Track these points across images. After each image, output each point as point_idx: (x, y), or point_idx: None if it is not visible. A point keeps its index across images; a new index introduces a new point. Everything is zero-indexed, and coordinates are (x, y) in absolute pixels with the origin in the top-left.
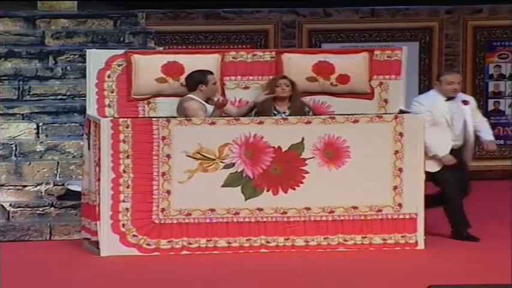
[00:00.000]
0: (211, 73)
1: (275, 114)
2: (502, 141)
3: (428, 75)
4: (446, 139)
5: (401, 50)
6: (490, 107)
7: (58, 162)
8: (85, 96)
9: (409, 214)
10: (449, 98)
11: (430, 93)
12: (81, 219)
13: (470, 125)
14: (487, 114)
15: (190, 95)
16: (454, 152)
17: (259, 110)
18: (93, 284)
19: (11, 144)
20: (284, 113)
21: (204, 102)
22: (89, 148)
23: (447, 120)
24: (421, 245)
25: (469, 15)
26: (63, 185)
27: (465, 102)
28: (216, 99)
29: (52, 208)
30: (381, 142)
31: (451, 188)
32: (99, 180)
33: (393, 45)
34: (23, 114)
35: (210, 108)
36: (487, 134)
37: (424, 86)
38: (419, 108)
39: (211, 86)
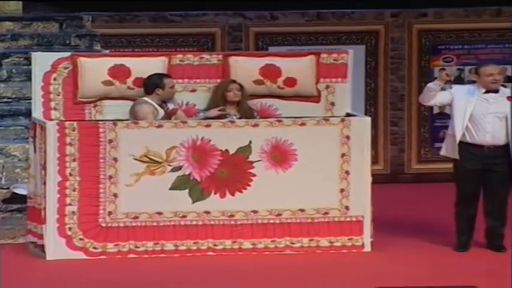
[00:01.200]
0: (168, 76)
1: (225, 117)
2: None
3: (374, 78)
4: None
5: (347, 53)
6: (435, 110)
7: (3, 166)
8: (31, 99)
9: (355, 217)
10: (489, 91)
11: (470, 86)
12: (26, 223)
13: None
14: (432, 117)
15: (144, 98)
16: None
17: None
18: (38, 286)
19: None
20: (235, 115)
21: (157, 107)
22: (34, 151)
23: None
24: (367, 248)
25: (414, 19)
26: (8, 188)
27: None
28: (166, 107)
29: None
30: (328, 145)
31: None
32: (45, 183)
33: (339, 48)
34: None
35: (162, 112)
36: None
37: (371, 89)
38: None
39: (169, 90)
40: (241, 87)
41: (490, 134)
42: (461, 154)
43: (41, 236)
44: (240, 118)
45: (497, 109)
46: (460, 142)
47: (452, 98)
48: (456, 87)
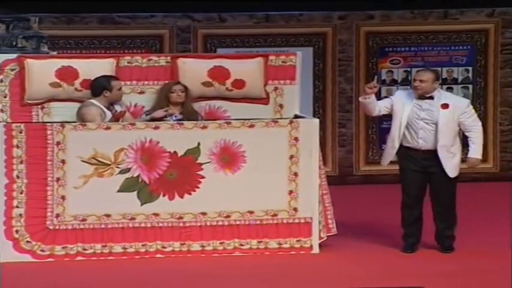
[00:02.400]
0: (116, 79)
1: (171, 117)
2: None
3: (322, 80)
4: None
5: (295, 55)
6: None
7: None
8: None
9: (304, 218)
10: (423, 97)
11: (411, 90)
12: None
13: (442, 131)
14: (380, 119)
15: (91, 100)
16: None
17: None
18: None
19: None
20: (176, 116)
21: (104, 109)
22: None
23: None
24: (315, 249)
25: (361, 21)
26: None
27: (444, 106)
28: (114, 110)
29: None
30: (277, 147)
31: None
32: None
33: (288, 50)
34: None
35: (110, 114)
36: (471, 149)
37: (319, 91)
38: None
39: (116, 92)
40: (186, 89)
41: (422, 140)
42: (402, 157)
43: None
44: (182, 119)
45: (427, 116)
46: (401, 145)
47: (392, 104)
48: (398, 93)
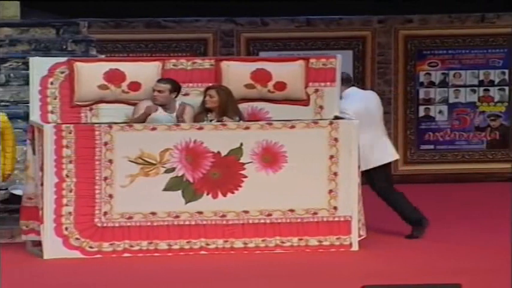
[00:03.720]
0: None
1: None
2: (432, 146)
3: (361, 82)
4: None
5: (335, 58)
6: (421, 113)
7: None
8: (28, 103)
9: (343, 216)
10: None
11: None
12: (22, 222)
13: None
14: (418, 120)
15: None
16: None
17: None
18: (36, 286)
19: None
20: (211, 120)
21: (158, 107)
22: (33, 153)
23: None
24: (355, 247)
25: (400, 25)
26: (7, 189)
27: None
28: (149, 104)
29: None
30: (317, 147)
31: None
32: (42, 184)
33: (328, 53)
34: None
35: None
36: None
37: None
38: None
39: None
40: (219, 93)
41: None
42: None
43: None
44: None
45: None
46: None
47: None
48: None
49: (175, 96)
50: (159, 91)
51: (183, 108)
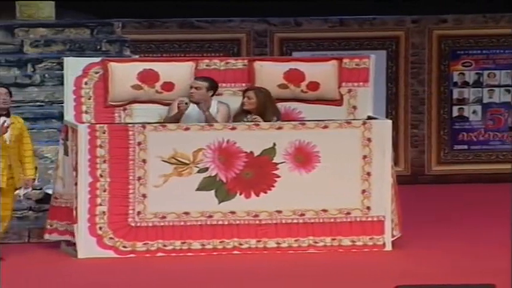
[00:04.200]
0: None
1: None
2: (466, 146)
3: (395, 82)
4: None
5: (369, 58)
6: (455, 113)
7: (36, 167)
8: (63, 103)
9: (377, 217)
10: None
11: None
12: (49, 222)
13: None
14: (452, 120)
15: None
16: None
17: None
18: (70, 285)
19: None
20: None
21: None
22: (65, 153)
23: None
24: (388, 247)
25: (434, 25)
26: (41, 189)
27: None
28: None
29: (31, 212)
30: (350, 147)
31: None
32: (76, 184)
33: (361, 53)
34: None
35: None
36: None
37: (392, 93)
38: None
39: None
40: (257, 95)
41: None
42: None
43: (65, 232)
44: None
45: None
46: None
47: None
48: None
49: (212, 95)
50: (196, 88)
51: (218, 107)
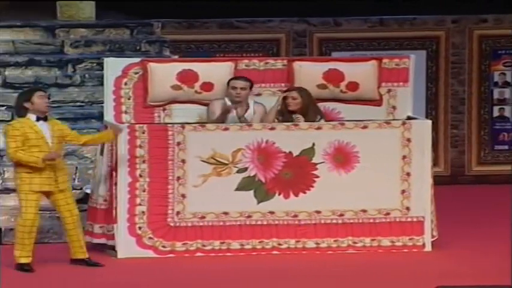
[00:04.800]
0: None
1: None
2: (506, 147)
3: (435, 82)
4: None
5: (409, 58)
6: (495, 113)
7: (76, 167)
8: (103, 103)
9: (416, 217)
10: None
11: None
12: (88, 224)
13: None
14: (492, 120)
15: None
16: None
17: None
18: (110, 284)
19: None
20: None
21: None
22: (100, 153)
23: None
24: (428, 247)
25: (474, 25)
26: (81, 189)
27: None
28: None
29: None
30: (389, 147)
31: None
32: (116, 184)
33: (401, 53)
34: None
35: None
36: None
37: (431, 93)
38: None
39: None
40: (301, 95)
41: None
42: None
43: (98, 235)
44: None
45: None
46: None
47: None
48: None
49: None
50: (242, 88)
51: (255, 108)
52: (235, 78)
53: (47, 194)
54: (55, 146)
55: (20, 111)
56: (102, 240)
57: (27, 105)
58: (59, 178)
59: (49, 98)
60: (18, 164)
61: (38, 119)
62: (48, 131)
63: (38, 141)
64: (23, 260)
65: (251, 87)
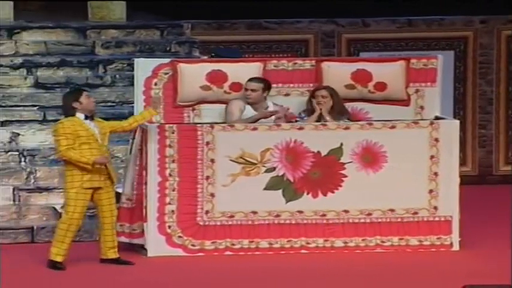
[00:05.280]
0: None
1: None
2: None
3: (463, 82)
4: None
5: (436, 59)
6: None
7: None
8: (133, 103)
9: (444, 216)
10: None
11: None
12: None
13: None
14: None
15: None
16: None
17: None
18: (140, 282)
19: None
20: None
21: (246, 105)
22: (130, 152)
23: None
24: (456, 247)
25: (502, 25)
26: None
27: None
28: (266, 106)
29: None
30: (417, 147)
31: None
32: (146, 183)
33: (429, 54)
34: None
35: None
36: None
37: (459, 93)
38: None
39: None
40: (331, 94)
41: None
42: None
43: (127, 235)
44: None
45: None
46: None
47: None
48: None
49: (266, 96)
50: (252, 90)
51: (274, 108)
52: (249, 80)
53: (94, 191)
54: (104, 142)
55: (68, 111)
56: (122, 239)
57: (75, 105)
58: (107, 175)
59: None
60: (69, 162)
61: (86, 118)
62: (96, 128)
63: (88, 139)
64: (59, 259)
65: (265, 88)
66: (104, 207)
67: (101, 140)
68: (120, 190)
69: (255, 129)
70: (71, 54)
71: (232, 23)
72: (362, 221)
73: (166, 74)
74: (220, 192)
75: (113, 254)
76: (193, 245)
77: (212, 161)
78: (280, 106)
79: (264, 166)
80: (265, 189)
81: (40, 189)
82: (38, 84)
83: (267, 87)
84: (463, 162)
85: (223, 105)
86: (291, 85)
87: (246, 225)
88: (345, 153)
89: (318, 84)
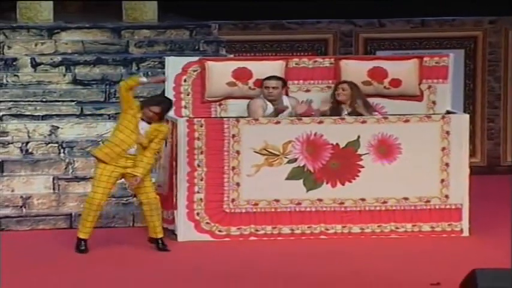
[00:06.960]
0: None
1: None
2: None
3: (472, 79)
4: None
5: (448, 57)
6: None
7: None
8: None
9: (455, 204)
10: None
11: None
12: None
13: None
14: None
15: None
16: None
17: (331, 113)
18: (171, 265)
19: (99, 141)
20: (348, 113)
21: (267, 102)
22: (165, 144)
23: None
24: (466, 233)
25: (510, 25)
26: None
27: None
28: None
29: (135, 198)
30: (430, 140)
31: None
32: (176, 173)
33: (441, 52)
34: (109, 115)
35: (271, 107)
36: None
37: (469, 89)
38: None
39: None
40: (351, 88)
41: None
42: None
43: (165, 220)
44: (349, 115)
45: None
46: None
47: None
48: None
49: (283, 91)
50: (274, 87)
51: (291, 102)
52: (267, 78)
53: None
54: (145, 139)
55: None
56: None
57: (147, 109)
58: (133, 163)
59: None
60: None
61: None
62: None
63: (135, 128)
64: (82, 235)
65: (284, 85)
66: (142, 195)
67: (144, 137)
68: (153, 179)
69: (277, 122)
70: (107, 53)
71: (257, 23)
72: (378, 208)
73: (195, 71)
74: (245, 182)
75: (154, 234)
76: (220, 231)
77: (237, 152)
78: (292, 98)
79: (286, 157)
80: (287, 179)
81: (78, 179)
82: (75, 81)
83: (285, 84)
84: (472, 153)
85: (248, 101)
86: (312, 82)
87: (269, 212)
88: (362, 145)
89: (337, 80)
